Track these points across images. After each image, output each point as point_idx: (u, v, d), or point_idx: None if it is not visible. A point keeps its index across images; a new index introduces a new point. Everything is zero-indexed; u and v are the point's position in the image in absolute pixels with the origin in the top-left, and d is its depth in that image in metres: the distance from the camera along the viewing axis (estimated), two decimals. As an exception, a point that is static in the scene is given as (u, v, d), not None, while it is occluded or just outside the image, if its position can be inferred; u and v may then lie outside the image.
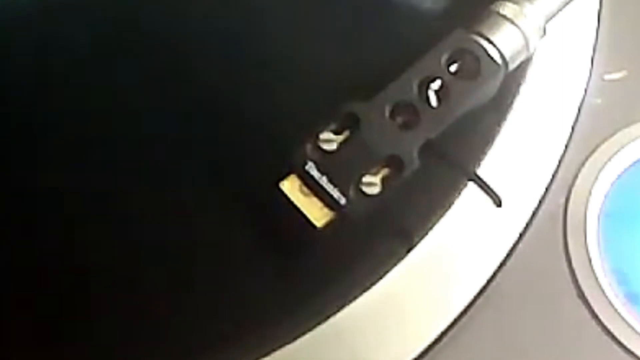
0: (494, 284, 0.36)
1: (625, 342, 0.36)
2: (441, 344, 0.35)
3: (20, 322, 0.34)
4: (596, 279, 0.37)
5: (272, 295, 0.35)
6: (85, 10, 0.38)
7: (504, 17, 0.36)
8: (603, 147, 0.39)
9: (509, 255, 0.37)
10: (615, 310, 0.37)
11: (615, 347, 0.36)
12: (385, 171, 0.34)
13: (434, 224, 0.36)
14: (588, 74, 0.40)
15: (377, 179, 0.34)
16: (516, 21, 0.36)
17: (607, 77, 0.40)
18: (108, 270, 0.35)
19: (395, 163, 0.34)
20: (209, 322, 0.34)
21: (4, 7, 0.38)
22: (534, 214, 0.37)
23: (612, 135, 0.39)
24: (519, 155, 0.38)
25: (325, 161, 0.34)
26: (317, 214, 0.33)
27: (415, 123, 0.35)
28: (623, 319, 0.36)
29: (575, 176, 0.39)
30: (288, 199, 0.34)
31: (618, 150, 0.39)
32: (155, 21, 0.38)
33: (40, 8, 0.38)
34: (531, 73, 0.39)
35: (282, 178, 0.34)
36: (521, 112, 0.38)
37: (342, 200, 0.33)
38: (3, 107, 0.37)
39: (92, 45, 0.38)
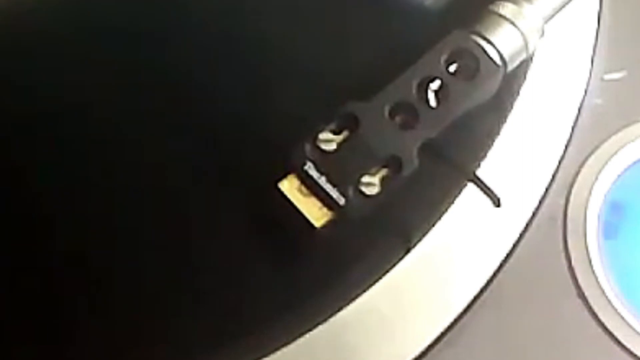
0: (494, 284, 0.36)
1: (624, 342, 0.36)
2: (441, 344, 0.35)
3: (19, 321, 0.34)
4: (596, 279, 0.37)
5: (272, 295, 0.35)
6: (87, 16, 0.39)
7: (503, 17, 0.36)
8: (603, 147, 0.39)
9: (509, 255, 0.37)
10: (615, 310, 0.37)
11: (615, 347, 0.36)
12: (384, 171, 0.34)
13: (433, 224, 0.36)
14: (588, 74, 0.40)
15: (376, 179, 0.34)
16: (515, 21, 0.36)
17: (607, 77, 0.40)
18: (108, 270, 0.35)
19: (394, 163, 0.34)
20: (209, 322, 0.34)
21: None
22: (534, 214, 0.37)
23: (612, 135, 0.39)
24: (518, 156, 0.38)
25: (324, 161, 0.34)
26: (316, 214, 0.33)
27: (414, 123, 0.35)
28: (623, 319, 0.36)
29: (575, 176, 0.39)
30: (287, 199, 0.34)
31: (618, 150, 0.39)
32: (154, 22, 0.38)
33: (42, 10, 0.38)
34: (531, 73, 0.39)
35: (281, 178, 0.34)
36: (521, 112, 0.38)
37: (341, 200, 0.33)
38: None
39: (91, 50, 0.38)
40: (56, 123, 0.37)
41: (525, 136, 0.38)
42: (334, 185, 0.33)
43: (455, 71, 0.35)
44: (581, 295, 0.37)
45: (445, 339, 0.36)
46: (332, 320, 0.35)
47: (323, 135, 0.34)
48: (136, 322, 0.34)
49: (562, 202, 0.38)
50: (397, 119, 0.35)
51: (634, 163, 0.39)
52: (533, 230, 0.37)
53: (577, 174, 0.39)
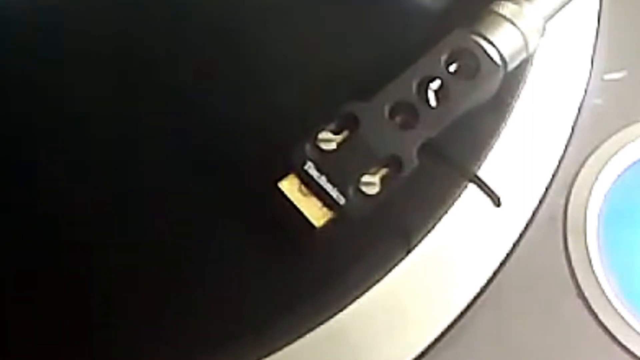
0: (494, 284, 0.36)
1: (624, 342, 0.36)
2: (441, 344, 0.35)
3: (20, 321, 0.34)
4: (596, 279, 0.37)
5: (272, 295, 0.35)
6: (85, 17, 0.39)
7: (504, 17, 0.36)
8: (603, 147, 0.39)
9: (509, 255, 0.37)
10: (615, 310, 0.37)
11: (615, 347, 0.36)
12: (384, 171, 0.34)
13: (434, 224, 0.36)
14: (588, 74, 0.40)
15: (376, 179, 0.34)
16: (515, 21, 0.36)
17: (607, 77, 0.40)
18: (108, 270, 0.35)
19: (394, 163, 0.34)
20: (209, 322, 0.34)
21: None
22: (534, 214, 0.37)
23: (612, 135, 0.39)
24: (518, 156, 0.38)
25: (325, 161, 0.34)
26: (316, 213, 0.33)
27: (414, 123, 0.35)
28: (623, 319, 0.36)
29: (575, 176, 0.39)
30: (287, 199, 0.34)
31: (618, 150, 0.39)
32: (154, 21, 0.38)
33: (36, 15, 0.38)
34: (531, 73, 0.39)
35: (281, 178, 0.34)
36: (521, 112, 0.38)
37: (341, 200, 0.33)
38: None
39: (91, 50, 0.38)
40: (55, 126, 0.37)
41: (525, 136, 0.38)
42: (334, 185, 0.33)
43: (455, 71, 0.35)
44: (581, 295, 0.37)
45: (445, 339, 0.35)
46: (332, 320, 0.35)
47: (323, 135, 0.34)
48: (136, 322, 0.34)
49: (562, 202, 0.38)
50: (397, 118, 0.35)
51: (634, 163, 0.39)
52: (533, 230, 0.37)
53: (577, 174, 0.39)
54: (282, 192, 0.34)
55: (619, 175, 0.39)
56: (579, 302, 0.37)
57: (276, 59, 0.38)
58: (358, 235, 0.35)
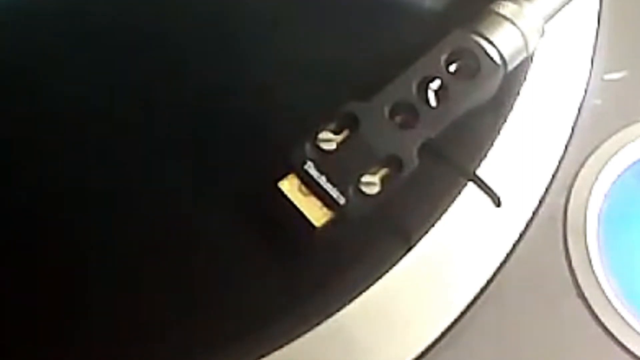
0: (494, 284, 0.36)
1: (625, 342, 0.36)
2: (441, 344, 0.35)
3: (20, 321, 0.34)
4: (596, 279, 0.37)
5: (272, 294, 0.35)
6: (83, 12, 0.39)
7: (504, 17, 0.36)
8: (603, 147, 0.39)
9: (509, 255, 0.37)
10: (615, 310, 0.37)
11: (615, 347, 0.36)
12: (384, 171, 0.34)
13: (433, 224, 0.36)
14: (588, 74, 0.40)
15: (376, 179, 0.34)
16: (515, 21, 0.36)
17: (607, 77, 0.40)
18: (108, 270, 0.35)
19: (394, 163, 0.34)
20: (210, 321, 0.34)
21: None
22: (534, 214, 0.37)
23: (612, 135, 0.39)
24: (519, 156, 0.38)
25: (325, 161, 0.34)
26: (316, 213, 0.33)
27: (414, 123, 0.35)
28: (623, 319, 0.36)
29: (575, 176, 0.39)
30: (287, 199, 0.34)
31: (618, 150, 0.39)
32: (152, 20, 0.38)
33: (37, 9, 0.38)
34: (531, 73, 0.39)
35: (281, 178, 0.34)
36: (521, 113, 0.38)
37: (341, 200, 0.33)
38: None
39: (90, 48, 0.38)
40: (55, 123, 0.37)
41: (525, 136, 0.38)
42: (334, 185, 0.33)
43: (455, 71, 0.35)
44: (581, 295, 0.37)
45: (445, 339, 0.35)
46: (332, 320, 0.35)
47: (323, 135, 0.34)
48: (136, 322, 0.34)
49: (562, 202, 0.38)
50: (397, 118, 0.35)
51: (634, 163, 0.39)
52: (533, 230, 0.37)
53: (577, 174, 0.39)
54: (282, 192, 0.34)
55: (619, 175, 0.39)
56: (579, 302, 0.37)
57: (276, 59, 0.38)
58: (358, 235, 0.35)
